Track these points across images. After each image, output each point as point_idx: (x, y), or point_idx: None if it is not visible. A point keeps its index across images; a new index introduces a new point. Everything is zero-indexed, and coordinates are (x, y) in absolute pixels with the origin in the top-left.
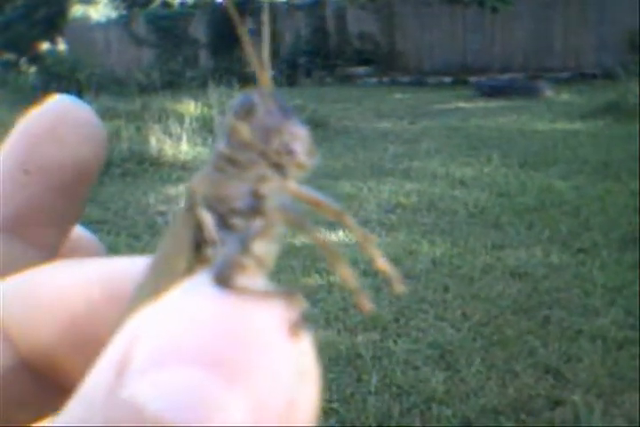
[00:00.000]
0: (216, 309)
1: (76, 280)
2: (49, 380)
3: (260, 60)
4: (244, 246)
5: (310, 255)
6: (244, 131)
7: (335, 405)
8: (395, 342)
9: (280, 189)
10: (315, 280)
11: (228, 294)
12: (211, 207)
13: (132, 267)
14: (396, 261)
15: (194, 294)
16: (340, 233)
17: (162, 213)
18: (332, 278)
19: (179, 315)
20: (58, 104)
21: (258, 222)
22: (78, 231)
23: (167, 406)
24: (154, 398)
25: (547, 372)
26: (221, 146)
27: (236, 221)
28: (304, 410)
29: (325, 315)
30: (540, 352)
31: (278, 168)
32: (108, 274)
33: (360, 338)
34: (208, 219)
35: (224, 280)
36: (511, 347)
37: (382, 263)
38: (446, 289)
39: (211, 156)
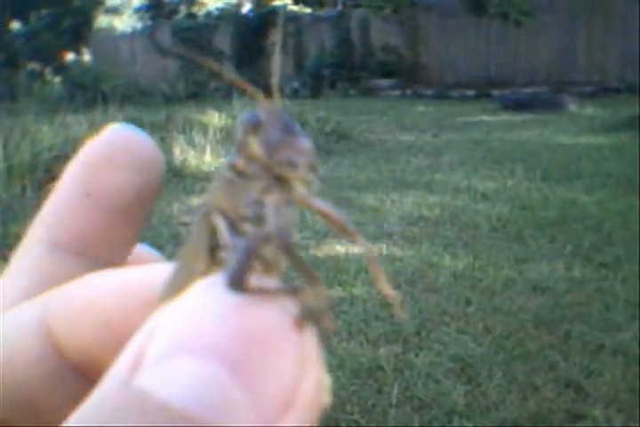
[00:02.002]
0: (223, 307)
1: (112, 286)
2: (92, 379)
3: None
4: (252, 250)
5: (333, 267)
6: (251, 145)
7: (356, 417)
8: (416, 354)
9: (283, 200)
10: (337, 292)
11: (236, 294)
12: (224, 214)
13: (163, 272)
14: (418, 273)
15: (205, 294)
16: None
17: (185, 224)
18: (354, 291)
19: (190, 313)
20: (116, 133)
21: (265, 229)
22: (141, 249)
23: (171, 395)
24: (160, 386)
25: (567, 386)
26: (233, 159)
27: (246, 228)
28: (304, 403)
29: (347, 327)
30: (561, 366)
31: (281, 181)
32: (141, 279)
33: (382, 350)
34: (221, 225)
35: (235, 281)
36: (532, 361)
37: (385, 285)
38: (468, 302)
39: (223, 167)
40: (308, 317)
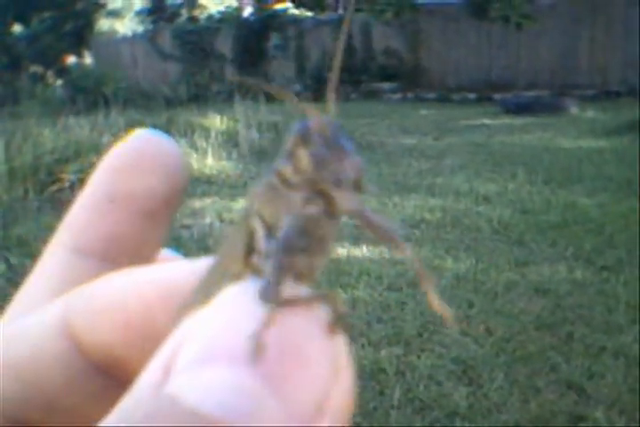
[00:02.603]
0: (255, 316)
1: (132, 284)
2: (113, 377)
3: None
4: (285, 263)
5: (335, 270)
6: (300, 157)
7: (358, 419)
8: (418, 356)
9: (322, 214)
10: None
11: (268, 303)
12: (263, 219)
13: (182, 269)
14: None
15: (237, 302)
16: (364, 248)
17: (187, 227)
18: (356, 293)
19: (222, 320)
20: (140, 138)
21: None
22: (166, 254)
23: (202, 401)
24: (190, 393)
25: (569, 388)
26: (280, 165)
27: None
28: (335, 409)
29: (350, 330)
30: (562, 368)
31: (323, 196)
32: (161, 277)
33: (383, 353)
34: (259, 230)
35: (267, 293)
36: (534, 363)
37: (434, 298)
38: (470, 305)
39: (269, 172)
40: (338, 323)
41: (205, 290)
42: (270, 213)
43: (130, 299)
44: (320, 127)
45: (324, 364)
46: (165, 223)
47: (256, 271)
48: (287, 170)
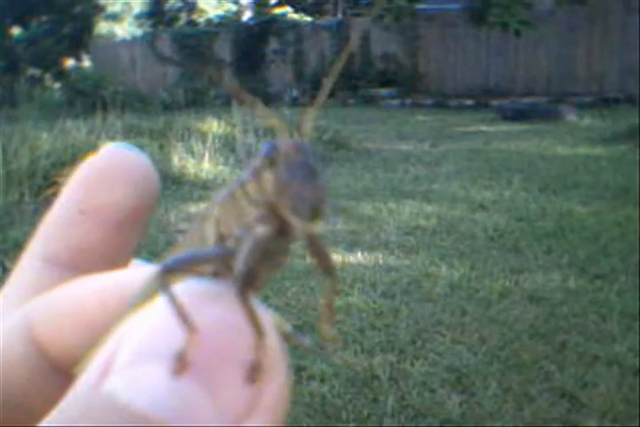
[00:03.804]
0: (187, 318)
1: (92, 289)
2: (73, 377)
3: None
4: (247, 272)
5: None
6: (264, 179)
7: (351, 425)
8: (412, 364)
9: (273, 235)
10: None
11: (204, 305)
12: (217, 226)
13: (140, 274)
14: (414, 283)
15: (169, 306)
16: (359, 255)
17: (182, 232)
18: (350, 300)
19: (155, 324)
20: (112, 151)
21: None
22: (136, 264)
23: (135, 398)
24: (125, 390)
25: (562, 397)
26: (245, 179)
27: (229, 244)
28: (267, 408)
29: (343, 336)
30: (556, 377)
31: (279, 219)
32: (120, 281)
33: (377, 360)
34: (210, 235)
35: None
36: (527, 371)
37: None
38: (464, 312)
39: (234, 182)
40: (280, 331)
41: (148, 293)
42: (226, 222)
43: (89, 303)
44: (288, 149)
45: (254, 364)
46: (135, 234)
47: (198, 274)
48: (251, 186)
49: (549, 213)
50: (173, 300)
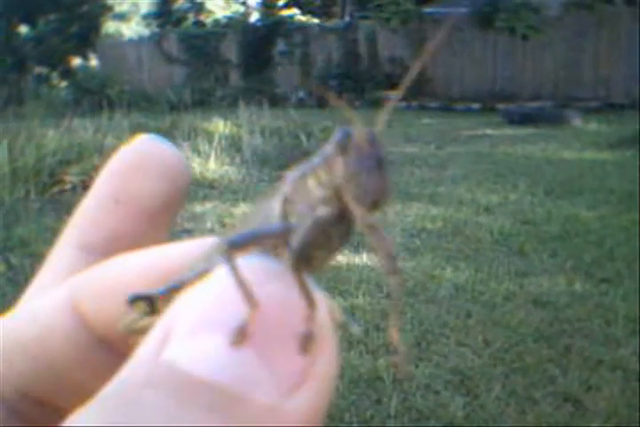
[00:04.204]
0: (245, 291)
1: (134, 264)
2: (116, 351)
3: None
4: (302, 251)
5: (334, 278)
6: (334, 165)
7: (354, 426)
8: (416, 366)
9: (334, 218)
10: (338, 303)
11: (263, 281)
12: (285, 203)
13: (178, 250)
14: (419, 285)
15: (230, 279)
16: (364, 256)
17: (188, 231)
18: (355, 301)
19: (216, 295)
20: (144, 143)
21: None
22: None
23: (195, 366)
24: (185, 359)
25: (566, 400)
26: (318, 164)
27: (292, 222)
28: (319, 376)
29: (348, 337)
30: (560, 381)
31: (342, 205)
32: (158, 257)
33: (381, 361)
34: (275, 211)
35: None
36: (531, 374)
37: (396, 337)
38: (468, 315)
39: (306, 163)
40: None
41: (207, 265)
42: (293, 201)
43: (131, 277)
44: (361, 139)
45: (307, 336)
46: (166, 224)
47: (260, 249)
48: (321, 170)
49: (555, 216)
50: (236, 274)
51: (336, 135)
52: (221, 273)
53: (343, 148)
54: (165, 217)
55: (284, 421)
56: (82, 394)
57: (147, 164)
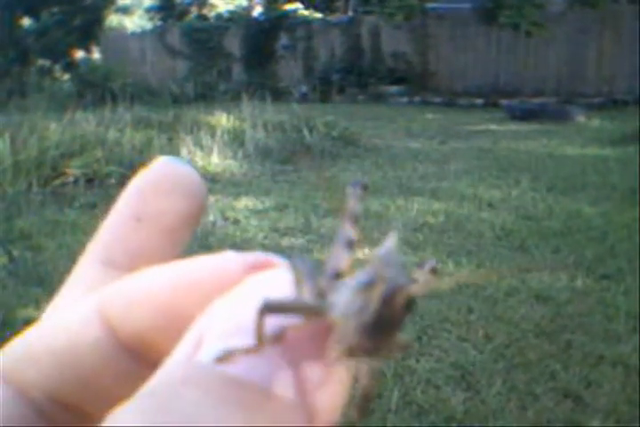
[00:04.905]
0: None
1: (159, 277)
2: (143, 359)
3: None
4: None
5: None
6: (353, 317)
7: None
8: (417, 360)
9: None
10: None
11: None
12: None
13: (203, 263)
14: None
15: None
16: (366, 251)
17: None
18: None
19: (247, 305)
20: (164, 164)
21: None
22: None
23: (228, 366)
24: (219, 361)
25: (567, 396)
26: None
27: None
28: (338, 384)
29: None
30: (560, 376)
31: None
32: (184, 269)
33: None
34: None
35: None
36: (532, 370)
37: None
38: (470, 310)
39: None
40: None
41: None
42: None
43: (158, 288)
44: (378, 294)
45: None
46: (184, 241)
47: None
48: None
49: (557, 212)
50: (259, 333)
51: (358, 278)
52: (255, 284)
53: (366, 291)
54: (184, 234)
55: (309, 416)
56: (107, 400)
57: (167, 184)
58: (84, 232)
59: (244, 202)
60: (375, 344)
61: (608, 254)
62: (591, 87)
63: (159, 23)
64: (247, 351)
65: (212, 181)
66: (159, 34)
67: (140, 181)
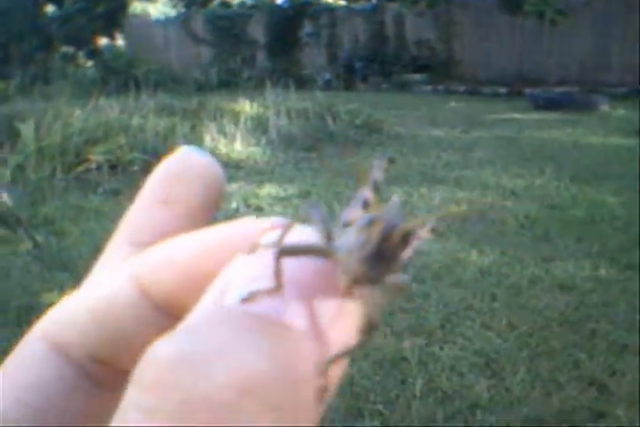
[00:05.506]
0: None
1: (187, 242)
2: (174, 316)
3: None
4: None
5: None
6: (356, 248)
7: (379, 407)
8: (441, 348)
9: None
10: None
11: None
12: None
13: (222, 230)
14: (444, 268)
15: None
16: None
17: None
18: None
19: (262, 261)
20: (185, 153)
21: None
22: None
23: (249, 305)
24: (242, 303)
25: (591, 384)
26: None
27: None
28: (350, 319)
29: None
30: (585, 365)
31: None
32: (206, 236)
33: (406, 343)
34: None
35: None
36: (556, 358)
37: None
38: (494, 298)
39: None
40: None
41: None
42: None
43: (182, 253)
44: (376, 230)
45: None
46: (205, 224)
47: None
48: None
49: (580, 202)
50: (278, 275)
51: (360, 221)
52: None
53: (366, 230)
54: (205, 217)
55: (323, 344)
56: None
57: (188, 171)
58: (108, 218)
59: (267, 189)
60: (377, 273)
61: (632, 244)
62: (615, 76)
63: (183, 10)
64: (268, 292)
65: (236, 168)
66: (183, 21)
67: (163, 169)
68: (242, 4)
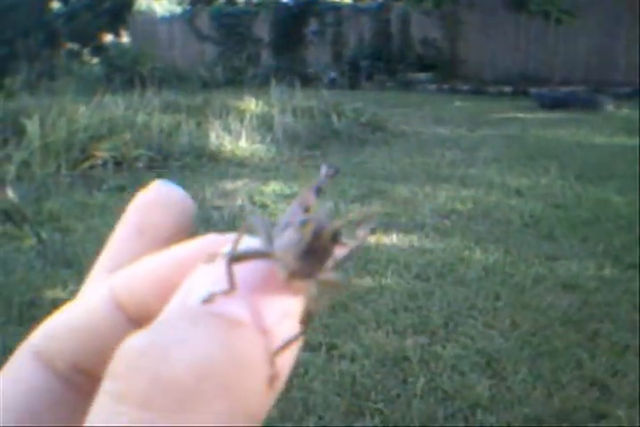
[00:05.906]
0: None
1: (158, 259)
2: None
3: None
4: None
5: (363, 257)
6: (293, 246)
7: (380, 405)
8: (443, 346)
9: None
10: (366, 282)
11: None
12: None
13: (187, 247)
14: (448, 266)
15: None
16: (394, 237)
17: (218, 208)
18: (383, 281)
19: (214, 266)
20: (159, 187)
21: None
22: None
23: (210, 305)
24: (205, 302)
25: (592, 384)
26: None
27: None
28: (294, 319)
29: (375, 316)
30: (586, 365)
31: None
32: (174, 252)
33: (408, 341)
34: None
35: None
36: (558, 358)
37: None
38: (497, 297)
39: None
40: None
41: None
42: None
43: (153, 267)
44: (308, 230)
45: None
46: None
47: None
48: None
49: (585, 201)
50: (231, 279)
51: (295, 223)
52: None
53: (301, 230)
54: (174, 244)
55: (275, 341)
56: None
57: (162, 202)
58: (113, 215)
59: (272, 186)
60: (311, 268)
61: (636, 244)
62: (620, 76)
63: (188, 7)
64: (224, 293)
65: (241, 165)
66: (188, 18)
67: (139, 200)
68: (247, 2)
